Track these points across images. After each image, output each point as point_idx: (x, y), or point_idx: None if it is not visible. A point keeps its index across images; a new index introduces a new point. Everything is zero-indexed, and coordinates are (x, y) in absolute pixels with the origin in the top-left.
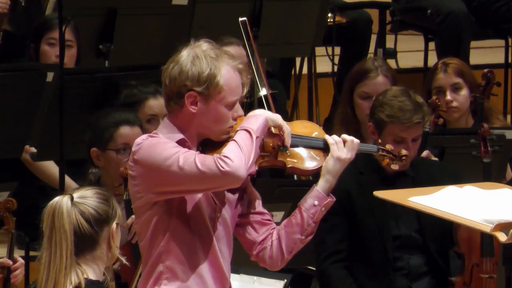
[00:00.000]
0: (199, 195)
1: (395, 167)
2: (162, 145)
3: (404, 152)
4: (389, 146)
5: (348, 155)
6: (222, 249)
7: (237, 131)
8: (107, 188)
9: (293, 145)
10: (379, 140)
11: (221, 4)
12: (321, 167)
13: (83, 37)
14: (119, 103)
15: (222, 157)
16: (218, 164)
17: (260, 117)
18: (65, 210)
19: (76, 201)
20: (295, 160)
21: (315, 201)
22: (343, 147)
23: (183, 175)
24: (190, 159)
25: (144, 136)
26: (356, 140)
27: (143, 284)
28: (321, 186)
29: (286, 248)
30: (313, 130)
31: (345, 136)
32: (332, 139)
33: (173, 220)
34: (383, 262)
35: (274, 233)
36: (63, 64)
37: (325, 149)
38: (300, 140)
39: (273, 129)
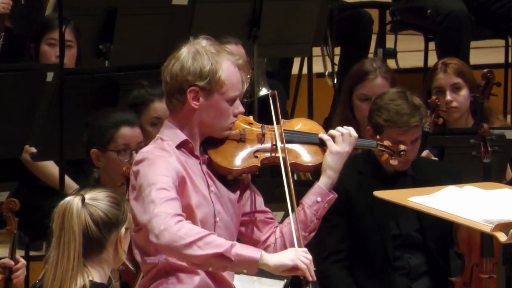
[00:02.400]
0: (196, 200)
1: (394, 162)
2: (154, 169)
3: (402, 147)
4: (387, 142)
5: (346, 148)
6: None
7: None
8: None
9: (290, 141)
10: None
11: (221, 4)
12: (321, 162)
13: (83, 37)
14: (127, 102)
15: (176, 220)
16: (164, 221)
17: (255, 255)
18: (75, 211)
19: (87, 203)
20: (296, 156)
21: (318, 197)
22: (340, 141)
23: (145, 207)
24: (156, 200)
25: (149, 147)
26: (354, 134)
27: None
28: (323, 182)
29: (289, 245)
30: (312, 127)
31: (340, 129)
32: (326, 135)
33: None
34: (383, 261)
35: (277, 231)
36: (63, 64)
37: (321, 144)
38: (296, 136)
39: None
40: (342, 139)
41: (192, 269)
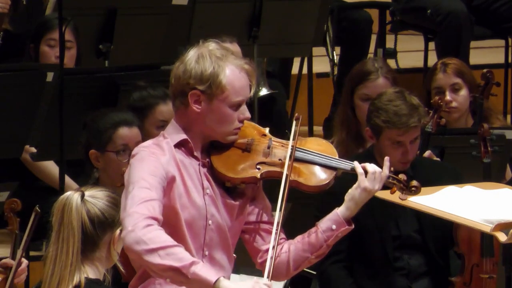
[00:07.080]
0: (184, 201)
1: (403, 197)
2: (142, 166)
3: (415, 183)
4: (402, 176)
5: (375, 187)
6: (216, 256)
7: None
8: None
9: (300, 160)
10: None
11: (221, 4)
12: (324, 184)
13: (83, 37)
14: (128, 105)
15: (146, 224)
16: (134, 222)
17: (211, 278)
18: (74, 206)
19: (86, 199)
20: (298, 175)
21: (333, 225)
22: (372, 178)
23: (125, 203)
24: (136, 198)
25: (148, 142)
26: (385, 173)
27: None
28: (342, 212)
29: (293, 262)
30: (327, 149)
31: (374, 167)
32: (361, 169)
33: (163, 227)
34: (383, 262)
35: (285, 246)
36: (63, 64)
37: (334, 169)
38: (316, 157)
39: None
40: (374, 177)
41: None
